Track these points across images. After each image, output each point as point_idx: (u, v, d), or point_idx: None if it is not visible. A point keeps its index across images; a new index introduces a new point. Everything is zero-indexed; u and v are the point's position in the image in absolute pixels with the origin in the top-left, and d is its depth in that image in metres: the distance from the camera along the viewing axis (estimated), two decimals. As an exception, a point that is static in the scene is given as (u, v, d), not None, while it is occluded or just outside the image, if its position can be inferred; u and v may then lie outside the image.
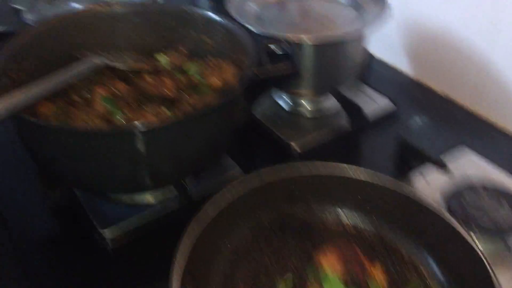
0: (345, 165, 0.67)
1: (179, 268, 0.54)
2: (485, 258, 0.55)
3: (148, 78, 0.81)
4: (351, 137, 0.96)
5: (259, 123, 0.99)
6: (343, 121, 0.98)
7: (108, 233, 0.76)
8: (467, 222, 0.73)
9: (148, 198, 0.80)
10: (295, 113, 1.01)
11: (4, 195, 0.84)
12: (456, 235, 0.58)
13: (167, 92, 0.80)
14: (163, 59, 0.88)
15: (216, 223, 0.60)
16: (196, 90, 0.81)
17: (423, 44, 1.12)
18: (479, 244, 0.70)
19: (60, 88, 0.74)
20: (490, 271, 0.53)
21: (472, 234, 0.69)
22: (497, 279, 0.52)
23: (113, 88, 0.79)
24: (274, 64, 0.81)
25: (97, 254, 0.75)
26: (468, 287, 0.56)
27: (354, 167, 0.66)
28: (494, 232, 0.72)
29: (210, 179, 0.83)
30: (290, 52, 0.84)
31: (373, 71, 1.12)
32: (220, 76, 0.82)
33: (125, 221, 0.77)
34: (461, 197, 0.77)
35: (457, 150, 0.90)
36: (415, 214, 0.62)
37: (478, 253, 0.55)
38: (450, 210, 0.73)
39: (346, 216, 0.67)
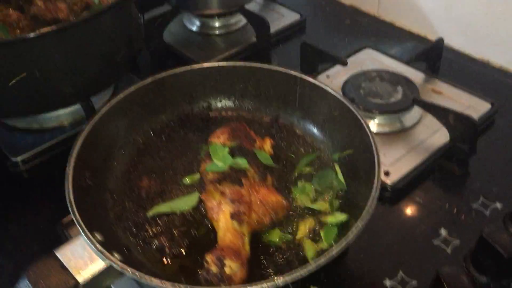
0: (241, 62, 0.69)
1: (73, 161, 0.55)
2: (368, 127, 0.58)
3: (40, 3, 0.80)
4: (260, 50, 0.98)
5: (170, 47, 1.00)
6: (251, 36, 1.00)
7: (20, 160, 0.76)
8: (366, 107, 0.77)
9: (57, 121, 0.80)
10: (204, 33, 1.03)
11: None
12: (347, 112, 0.61)
13: (61, 14, 0.79)
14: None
15: (109, 120, 0.61)
16: (90, 10, 0.81)
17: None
18: (372, 124, 0.76)
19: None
20: (371, 137, 0.57)
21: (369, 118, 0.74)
22: (376, 145, 0.56)
23: (3, 16, 0.78)
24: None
25: (14, 179, 0.76)
26: (354, 152, 0.60)
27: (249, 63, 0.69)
28: (390, 113, 0.77)
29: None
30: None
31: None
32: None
33: (36, 147, 0.78)
34: (360, 87, 0.81)
35: (361, 51, 0.94)
36: (308, 96, 0.65)
37: (363, 124, 0.58)
38: (350, 98, 0.77)
39: (244, 105, 0.70)
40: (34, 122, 0.81)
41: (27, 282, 0.45)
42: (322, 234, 0.54)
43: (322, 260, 0.46)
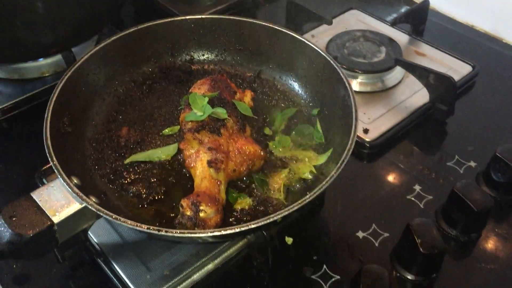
0: (225, 16, 0.69)
1: (52, 106, 0.55)
2: (347, 81, 0.58)
3: None
4: (246, 7, 0.97)
5: (156, 2, 0.98)
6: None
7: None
8: (349, 66, 0.78)
9: (38, 72, 0.80)
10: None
11: None
12: (327, 66, 0.62)
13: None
14: None
15: (89, 69, 0.61)
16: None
17: None
18: (354, 83, 0.76)
19: None
20: (347, 84, 0.57)
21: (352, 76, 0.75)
22: (354, 98, 0.56)
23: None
24: None
25: None
26: (333, 108, 0.61)
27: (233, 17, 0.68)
28: (373, 72, 0.77)
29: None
30: None
31: None
32: None
33: (16, 97, 0.77)
34: (344, 46, 0.81)
35: (347, 12, 0.94)
36: (290, 51, 0.66)
37: (342, 77, 0.59)
38: (333, 57, 0.77)
39: (227, 59, 0.70)
40: (14, 72, 0.81)
41: (2, 221, 0.46)
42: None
43: (295, 205, 0.47)
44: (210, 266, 0.56)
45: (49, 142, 0.52)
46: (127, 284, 0.54)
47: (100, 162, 0.58)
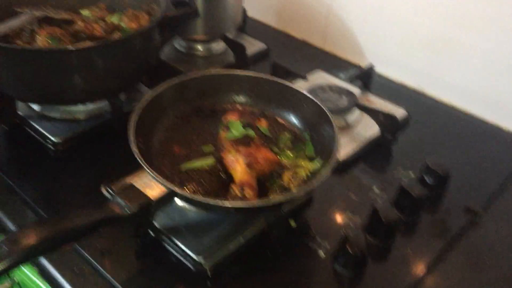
0: (238, 70, 0.99)
1: (134, 127, 0.80)
2: (330, 115, 0.88)
3: (80, 23, 1.05)
4: (237, 68, 1.27)
5: (165, 63, 1.26)
6: (230, 57, 1.29)
7: (57, 140, 0.99)
8: (320, 110, 1.08)
9: (84, 113, 1.04)
10: (191, 54, 1.30)
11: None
12: (313, 104, 0.91)
13: (96, 32, 1.04)
14: (86, 13, 1.12)
15: (151, 106, 0.87)
16: (120, 31, 1.06)
17: (284, 2, 1.47)
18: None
19: (7, 33, 0.96)
20: (332, 121, 0.86)
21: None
22: (335, 126, 0.86)
23: (52, 31, 1.02)
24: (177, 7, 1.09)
25: (46, 157, 0.98)
26: (319, 134, 0.90)
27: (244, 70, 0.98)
28: (337, 113, 1.08)
29: (130, 100, 1.09)
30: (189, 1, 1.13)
31: (248, 25, 1.45)
32: (137, 22, 1.08)
33: (69, 132, 1.01)
34: (317, 94, 1.12)
35: (313, 71, 1.26)
36: (285, 95, 0.95)
37: (325, 112, 0.88)
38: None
39: (240, 100, 0.98)
40: (67, 113, 1.04)
41: (118, 197, 0.70)
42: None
43: (306, 188, 0.74)
44: (241, 240, 0.81)
45: (136, 150, 0.77)
46: (186, 251, 0.78)
47: (162, 170, 0.83)
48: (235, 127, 0.82)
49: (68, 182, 0.93)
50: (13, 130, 1.04)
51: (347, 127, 1.08)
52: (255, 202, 0.73)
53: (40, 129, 1.01)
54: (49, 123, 1.03)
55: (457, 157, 1.04)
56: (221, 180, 0.83)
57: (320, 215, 0.89)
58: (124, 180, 0.87)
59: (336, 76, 1.24)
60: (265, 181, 0.83)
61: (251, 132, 0.82)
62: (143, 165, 0.74)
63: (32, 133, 1.02)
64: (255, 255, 0.81)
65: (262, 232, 0.83)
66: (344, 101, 1.11)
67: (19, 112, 1.05)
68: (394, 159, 1.03)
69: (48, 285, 0.80)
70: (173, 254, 0.80)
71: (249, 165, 0.79)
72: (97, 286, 0.76)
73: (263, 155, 0.81)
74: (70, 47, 0.92)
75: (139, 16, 1.09)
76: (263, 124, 0.88)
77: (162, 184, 0.73)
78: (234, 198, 0.75)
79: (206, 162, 0.84)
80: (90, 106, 1.06)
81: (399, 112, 1.12)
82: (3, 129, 1.04)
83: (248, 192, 0.75)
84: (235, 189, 0.75)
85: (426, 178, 0.94)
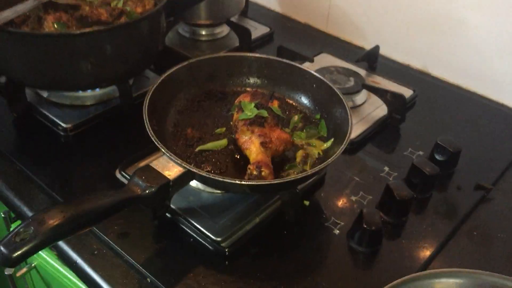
0: (247, 53, 0.99)
1: (147, 109, 0.81)
2: (342, 95, 0.88)
3: (87, 8, 1.04)
4: (241, 51, 1.27)
5: (171, 49, 1.26)
6: (234, 42, 1.29)
7: (67, 125, 0.99)
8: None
9: (93, 99, 1.05)
10: (194, 39, 1.30)
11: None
12: (323, 85, 0.92)
13: (102, 17, 1.04)
14: (91, -3, 1.12)
15: (162, 89, 0.87)
16: (127, 16, 1.06)
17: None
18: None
19: (17, 16, 0.95)
20: (344, 101, 0.87)
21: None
22: (348, 105, 0.86)
23: (59, 17, 1.01)
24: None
25: (57, 143, 0.99)
26: (331, 115, 0.90)
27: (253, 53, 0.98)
28: (345, 94, 1.08)
29: (137, 86, 1.09)
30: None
31: (250, 9, 1.45)
32: (142, 6, 1.08)
33: (79, 118, 1.01)
34: (323, 75, 1.12)
35: (319, 55, 1.26)
36: (295, 77, 0.95)
37: (336, 92, 0.89)
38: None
39: (250, 83, 0.98)
40: (76, 99, 1.04)
41: (136, 178, 0.70)
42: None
43: (321, 165, 0.75)
44: (257, 220, 0.82)
45: (152, 132, 0.77)
46: (204, 231, 0.79)
47: (176, 151, 0.84)
48: (248, 108, 0.83)
49: (80, 167, 0.93)
50: (23, 118, 1.03)
51: (355, 108, 1.08)
52: (272, 180, 0.74)
53: (50, 115, 1.01)
54: (58, 109, 1.03)
55: (466, 136, 1.05)
56: (235, 161, 0.84)
57: (333, 195, 0.90)
58: (138, 164, 0.88)
59: (341, 58, 1.24)
60: (279, 161, 0.84)
61: (264, 113, 0.83)
62: (160, 147, 0.75)
63: (42, 119, 1.02)
64: (271, 234, 0.82)
65: (277, 212, 0.84)
66: (351, 82, 1.11)
67: (28, 99, 1.04)
68: (403, 139, 1.04)
69: (67, 268, 0.81)
70: (190, 235, 0.80)
71: (263, 145, 0.79)
72: (117, 267, 0.76)
73: (277, 134, 0.82)
74: (77, 31, 0.91)
75: (144, 0, 1.09)
76: (275, 105, 0.88)
77: (179, 165, 0.73)
78: (251, 177, 0.76)
79: (219, 143, 0.85)
80: (98, 92, 1.06)
81: (406, 92, 1.13)
82: (13, 117, 1.03)
83: (265, 171, 0.75)
84: (252, 169, 0.76)
85: (437, 156, 0.95)
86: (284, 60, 0.96)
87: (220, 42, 1.31)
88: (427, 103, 1.14)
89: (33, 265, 0.95)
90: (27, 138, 1.00)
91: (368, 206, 0.87)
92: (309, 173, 0.75)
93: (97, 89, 1.06)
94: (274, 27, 1.39)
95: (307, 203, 0.86)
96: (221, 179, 0.72)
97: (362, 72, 1.19)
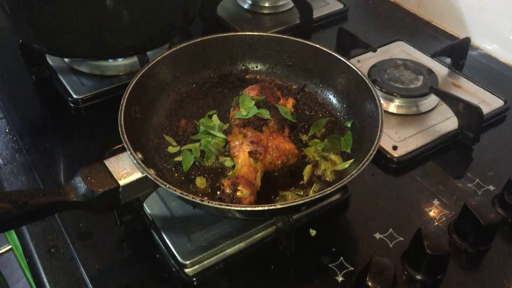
0: (280, 35, 0.80)
1: (127, 95, 0.67)
2: (378, 98, 0.67)
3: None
4: (302, 31, 1.08)
5: (221, 20, 1.10)
6: (296, 18, 1.09)
7: (80, 98, 0.89)
8: (387, 90, 0.86)
9: (116, 70, 0.93)
10: (253, 11, 1.13)
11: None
12: (362, 84, 0.70)
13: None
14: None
15: (160, 68, 0.73)
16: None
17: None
18: (392, 106, 0.84)
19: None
20: (380, 108, 0.65)
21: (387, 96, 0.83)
22: (382, 112, 0.65)
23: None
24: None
25: (75, 114, 0.90)
26: (364, 122, 0.69)
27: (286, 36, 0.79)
28: (408, 97, 0.85)
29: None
30: None
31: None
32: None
33: (95, 90, 0.91)
34: (385, 71, 0.89)
35: (393, 43, 1.02)
36: (329, 67, 0.75)
37: (375, 98, 0.67)
38: (372, 80, 0.85)
39: (277, 72, 0.80)
40: (96, 68, 0.94)
41: (80, 178, 0.57)
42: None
43: (314, 195, 0.56)
44: (242, 244, 0.66)
45: (122, 123, 0.63)
46: (171, 250, 0.64)
47: (160, 146, 0.69)
48: (245, 104, 0.65)
49: (79, 146, 0.83)
50: (42, 82, 0.96)
51: (417, 116, 0.85)
52: (241, 206, 0.56)
53: (65, 83, 0.92)
54: (76, 77, 0.94)
55: None
56: (228, 167, 0.67)
57: (352, 226, 0.70)
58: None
59: (420, 48, 0.99)
60: (281, 176, 0.66)
61: (265, 113, 0.64)
62: (123, 140, 0.61)
63: (58, 86, 0.94)
64: (255, 266, 0.65)
65: (271, 237, 0.66)
66: (418, 82, 0.87)
67: (50, 62, 0.96)
68: (473, 165, 0.79)
69: (25, 259, 0.72)
70: (158, 249, 0.66)
71: (252, 155, 0.62)
72: (67, 274, 0.65)
73: (276, 143, 0.63)
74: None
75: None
76: (288, 105, 0.70)
77: (138, 168, 0.59)
78: (223, 196, 0.59)
79: (211, 143, 0.69)
80: (120, 62, 0.95)
81: (492, 103, 0.86)
82: (32, 80, 0.96)
83: (242, 191, 0.58)
84: (226, 185, 0.59)
85: (508, 198, 0.69)
86: (319, 46, 0.75)
87: (282, 16, 1.13)
88: (521, 121, 0.86)
89: (8, 248, 0.89)
90: (38, 105, 0.93)
91: (391, 252, 0.66)
92: (300, 202, 0.56)
93: (119, 59, 0.94)
94: (353, 4, 1.17)
95: (313, 232, 0.68)
96: (179, 194, 0.56)
97: (443, 70, 0.94)
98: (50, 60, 0.97)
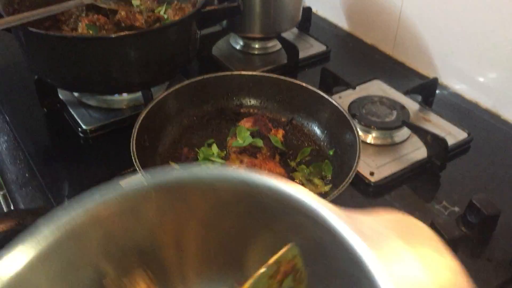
0: (270, 74, 0.91)
1: (138, 126, 0.77)
2: (356, 129, 0.78)
3: (122, 13, 1.03)
4: (289, 70, 1.19)
5: (216, 59, 1.22)
6: (283, 58, 1.21)
7: (88, 129, 0.99)
8: (365, 123, 0.97)
9: (120, 103, 1.03)
10: (245, 52, 1.25)
11: (7, 101, 1.08)
12: (342, 118, 0.81)
13: (137, 23, 1.02)
14: (136, 2, 1.11)
15: (165, 103, 0.83)
16: (161, 23, 1.04)
17: (357, 2, 1.36)
18: (369, 137, 0.95)
19: (55, 13, 0.96)
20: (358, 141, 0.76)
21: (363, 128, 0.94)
22: (359, 141, 0.75)
23: (94, 19, 1.01)
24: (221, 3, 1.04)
25: (83, 144, 0.99)
26: (344, 151, 0.79)
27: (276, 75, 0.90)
28: (384, 129, 0.96)
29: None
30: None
31: (314, 24, 1.36)
32: (181, 14, 1.05)
33: (102, 121, 1.00)
34: (363, 106, 1.01)
35: (370, 81, 1.14)
36: (314, 103, 0.86)
37: (354, 129, 0.78)
38: (352, 114, 0.96)
39: (268, 107, 0.91)
40: (104, 102, 1.04)
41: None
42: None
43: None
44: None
45: (134, 149, 0.73)
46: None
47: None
48: (242, 134, 0.75)
49: (89, 171, 0.92)
50: (53, 113, 1.05)
51: (392, 146, 0.95)
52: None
53: (75, 115, 1.02)
54: (85, 110, 1.03)
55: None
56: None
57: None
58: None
59: (394, 87, 1.11)
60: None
61: (259, 142, 0.75)
62: (135, 163, 0.71)
63: (68, 118, 1.03)
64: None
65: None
66: (393, 117, 0.98)
67: (61, 96, 1.06)
68: (441, 189, 0.89)
69: None
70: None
71: (249, 178, 0.71)
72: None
73: (269, 168, 0.73)
74: (95, 35, 0.91)
75: (184, 9, 1.06)
76: (278, 135, 0.80)
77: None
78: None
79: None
80: (126, 97, 1.05)
81: (457, 135, 0.97)
82: (43, 112, 1.06)
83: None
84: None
85: (469, 217, 0.79)
86: (305, 85, 0.86)
87: (271, 57, 1.24)
88: (483, 151, 0.97)
89: None
90: (49, 134, 1.02)
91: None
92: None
93: (125, 94, 1.04)
94: (336, 46, 1.29)
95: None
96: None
97: (414, 106, 1.06)
98: (61, 94, 1.06)
